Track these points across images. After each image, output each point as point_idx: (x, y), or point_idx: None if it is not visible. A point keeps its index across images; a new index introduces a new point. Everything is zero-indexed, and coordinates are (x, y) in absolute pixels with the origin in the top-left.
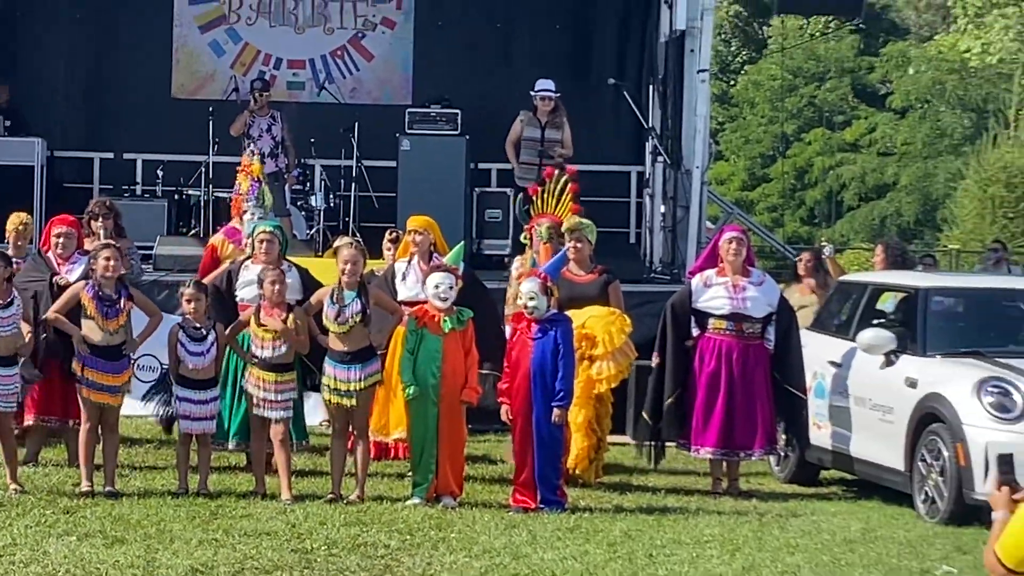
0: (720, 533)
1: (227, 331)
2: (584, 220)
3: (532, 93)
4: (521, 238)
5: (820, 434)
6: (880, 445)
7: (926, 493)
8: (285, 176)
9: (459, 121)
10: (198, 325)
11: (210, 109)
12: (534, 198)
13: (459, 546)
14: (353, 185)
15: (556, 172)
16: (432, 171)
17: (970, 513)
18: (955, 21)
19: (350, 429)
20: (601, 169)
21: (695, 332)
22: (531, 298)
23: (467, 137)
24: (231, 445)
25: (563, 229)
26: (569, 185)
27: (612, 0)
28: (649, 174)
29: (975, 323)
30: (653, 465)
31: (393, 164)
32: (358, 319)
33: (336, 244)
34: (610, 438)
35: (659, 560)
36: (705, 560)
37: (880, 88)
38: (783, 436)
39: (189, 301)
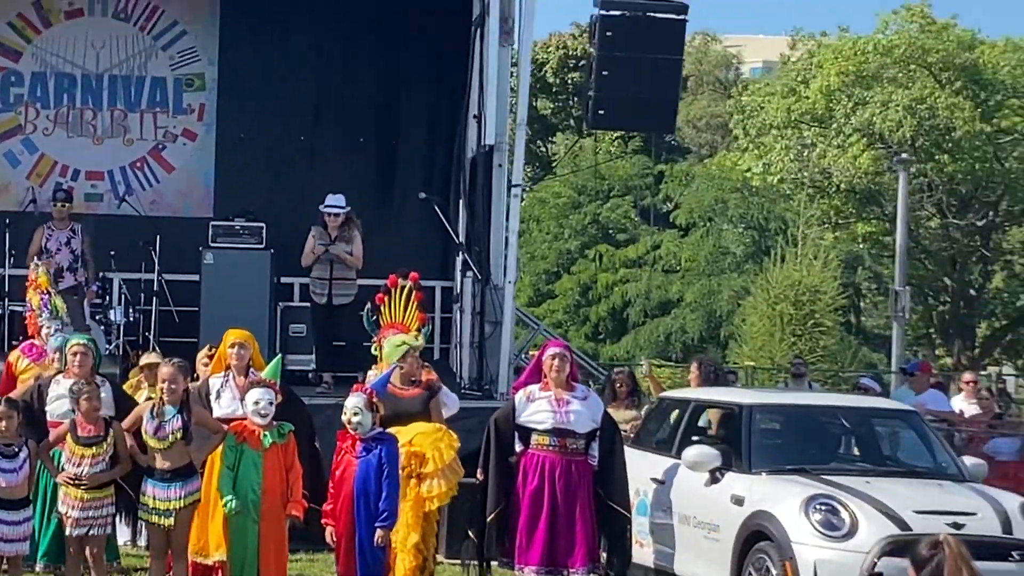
0: None
1: (40, 447)
2: (411, 339)
3: (321, 209)
4: (372, 350)
5: (642, 552)
6: (705, 563)
7: None
8: (84, 290)
9: (263, 235)
10: (9, 442)
11: (6, 221)
12: (381, 307)
13: None
14: (154, 299)
15: (400, 280)
16: (235, 285)
17: None
18: (735, 140)
19: (168, 550)
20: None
21: (518, 448)
22: (355, 414)
23: (271, 251)
24: (39, 567)
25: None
26: (414, 293)
27: (418, 114)
28: (459, 289)
29: (798, 440)
30: None
31: (195, 278)
32: (179, 435)
33: (144, 360)
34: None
35: None
36: None
37: (663, 206)
38: (604, 554)
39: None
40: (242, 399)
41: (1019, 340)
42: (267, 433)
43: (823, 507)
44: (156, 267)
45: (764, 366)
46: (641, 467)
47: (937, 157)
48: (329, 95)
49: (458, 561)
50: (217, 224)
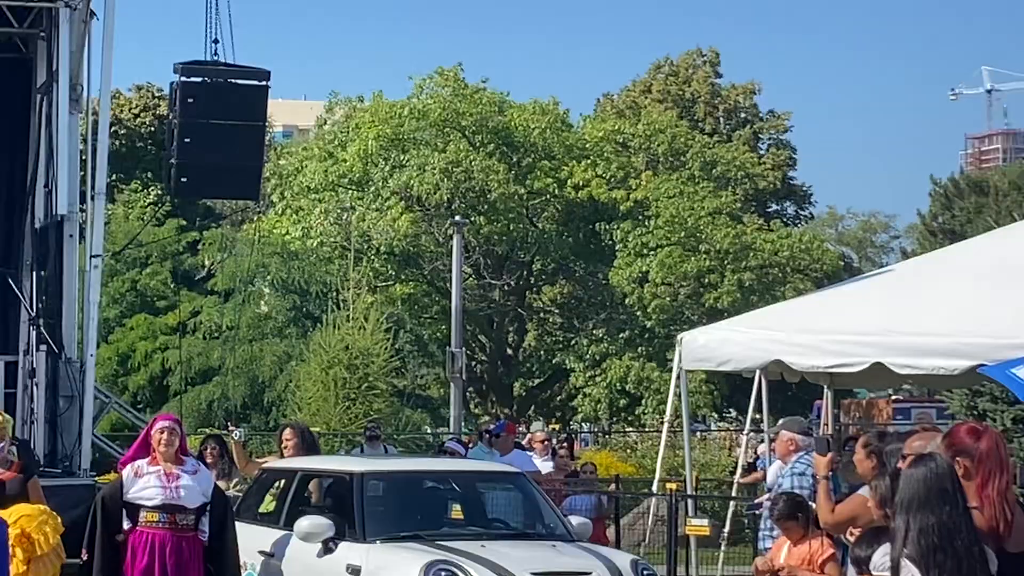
0: None
1: None
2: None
3: None
4: None
5: None
6: None
7: None
8: None
9: None
10: None
11: None
12: None
13: None
14: None
15: None
16: None
17: None
18: (272, 204)
19: None
20: None
21: (126, 525)
22: None
23: None
24: None
25: None
26: None
27: None
28: (34, 363)
29: (410, 506)
30: None
31: None
32: None
33: None
34: None
35: None
36: None
37: (200, 272)
38: None
39: None
40: None
41: (552, 397)
42: None
43: (442, 572)
44: None
45: (321, 431)
46: (246, 540)
47: (473, 219)
48: None
49: None
50: None
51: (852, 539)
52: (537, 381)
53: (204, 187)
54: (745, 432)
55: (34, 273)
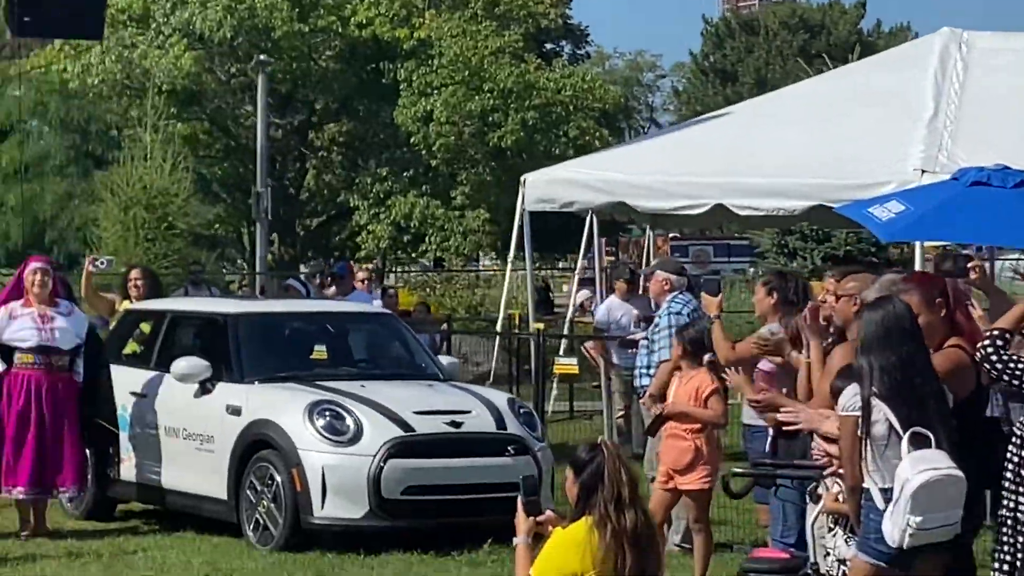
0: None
1: None
2: None
3: None
4: None
5: (125, 467)
6: (198, 475)
7: (256, 521)
8: None
9: None
10: None
11: None
12: None
13: None
14: None
15: None
16: None
17: (308, 538)
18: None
19: None
20: None
21: (1, 367)
22: None
23: None
24: None
25: None
26: None
27: None
28: None
29: (285, 348)
30: None
31: None
32: None
33: None
34: None
35: None
36: None
37: None
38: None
39: None
40: None
41: (335, 235)
42: None
43: (327, 412)
44: None
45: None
46: (115, 381)
47: (255, 56)
48: None
49: None
50: None
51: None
52: (320, 220)
53: (47, 26)
54: (577, 272)
55: None
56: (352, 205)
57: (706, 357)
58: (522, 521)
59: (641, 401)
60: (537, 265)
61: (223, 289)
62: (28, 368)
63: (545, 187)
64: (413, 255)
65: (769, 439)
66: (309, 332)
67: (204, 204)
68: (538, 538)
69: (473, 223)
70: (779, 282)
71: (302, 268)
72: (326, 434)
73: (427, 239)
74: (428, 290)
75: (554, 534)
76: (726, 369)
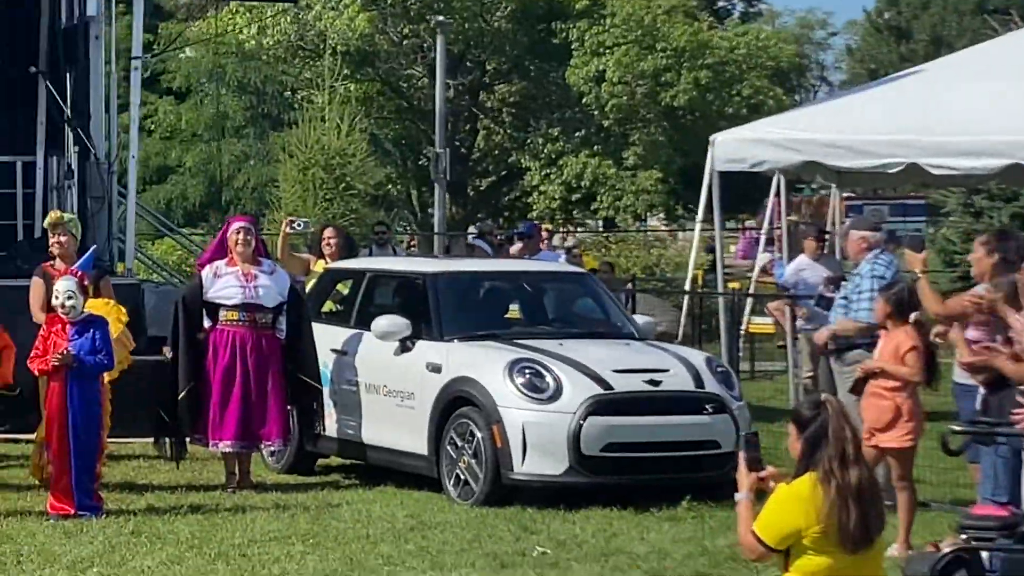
0: (284, 527)
1: None
2: (67, 214)
3: None
4: None
5: (327, 423)
6: (399, 431)
7: (457, 476)
8: None
9: None
10: None
11: None
12: None
13: (42, 558)
14: None
15: None
16: None
17: (508, 493)
18: (226, 3)
19: None
20: None
21: (207, 324)
22: (69, 298)
23: None
24: None
25: (46, 225)
26: None
27: None
28: (69, 165)
29: (485, 306)
30: (176, 461)
31: None
32: None
33: None
34: None
35: (259, 559)
36: (303, 556)
37: (159, 66)
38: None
39: None
40: None
41: (506, 196)
42: None
43: (527, 370)
44: None
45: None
46: (317, 338)
47: (429, 18)
48: None
49: (133, 440)
50: None
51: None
52: (490, 181)
53: None
54: (763, 232)
55: (67, 74)
56: (523, 166)
57: (912, 316)
58: (744, 477)
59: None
60: (702, 227)
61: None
62: (233, 325)
63: (735, 147)
64: (584, 215)
65: (980, 397)
66: (506, 291)
67: (376, 165)
68: (759, 495)
69: (645, 183)
70: (999, 242)
71: (470, 228)
72: (526, 391)
73: (599, 199)
74: (603, 251)
75: (777, 490)
76: (938, 326)
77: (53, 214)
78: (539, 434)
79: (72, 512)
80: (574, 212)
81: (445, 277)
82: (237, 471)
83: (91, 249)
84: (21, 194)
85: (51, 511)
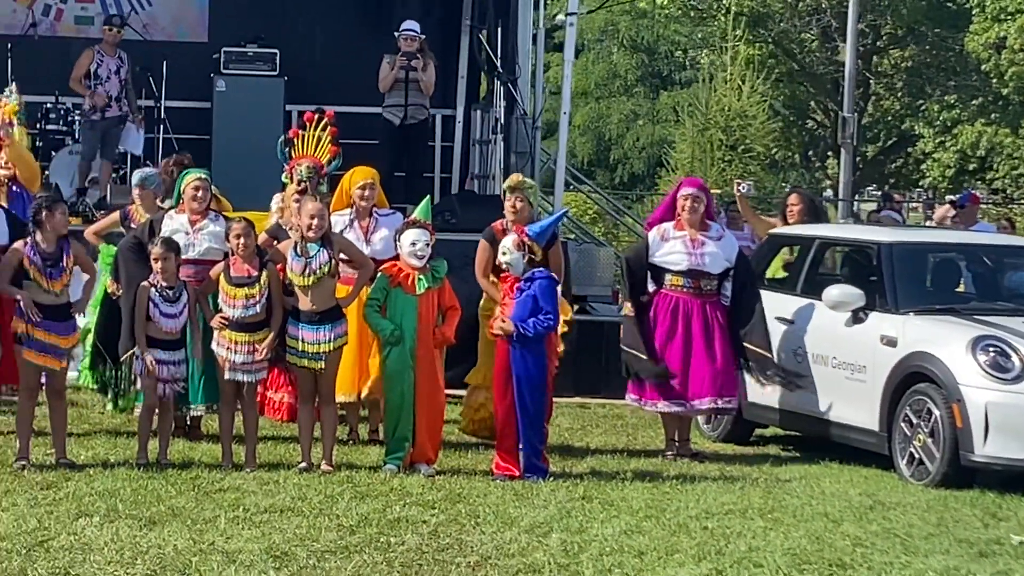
0: (737, 500)
1: (199, 290)
2: (527, 179)
3: (396, 33)
4: (283, 177)
5: (764, 392)
6: (848, 405)
7: (911, 455)
8: (131, 119)
9: (277, 61)
10: (171, 285)
11: (7, 46)
12: (295, 140)
13: (500, 521)
14: (159, 127)
15: (316, 116)
16: (248, 113)
17: (966, 476)
18: None
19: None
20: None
21: (651, 287)
22: (503, 254)
23: (285, 78)
24: (195, 408)
25: (505, 186)
26: (329, 128)
27: None
28: (497, 119)
29: (942, 280)
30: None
31: (205, 105)
32: (325, 270)
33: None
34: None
35: (721, 533)
36: (766, 532)
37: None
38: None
39: (157, 260)
40: (367, 240)
41: (895, 163)
42: (422, 277)
43: (992, 348)
44: (161, 94)
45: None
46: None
47: None
48: None
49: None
50: (229, 50)
51: None
52: (878, 147)
53: None
54: None
55: (498, 30)
56: (916, 132)
57: None
58: None
59: None
60: None
61: None
62: (677, 291)
63: None
64: (978, 183)
65: None
66: (961, 263)
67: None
68: None
69: None
70: None
71: (858, 195)
72: (990, 370)
73: (995, 167)
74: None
75: None
76: None
77: (515, 177)
78: (1003, 415)
79: (517, 473)
80: (963, 182)
81: (900, 247)
82: (676, 437)
83: (562, 211)
84: (440, 147)
85: (496, 471)
